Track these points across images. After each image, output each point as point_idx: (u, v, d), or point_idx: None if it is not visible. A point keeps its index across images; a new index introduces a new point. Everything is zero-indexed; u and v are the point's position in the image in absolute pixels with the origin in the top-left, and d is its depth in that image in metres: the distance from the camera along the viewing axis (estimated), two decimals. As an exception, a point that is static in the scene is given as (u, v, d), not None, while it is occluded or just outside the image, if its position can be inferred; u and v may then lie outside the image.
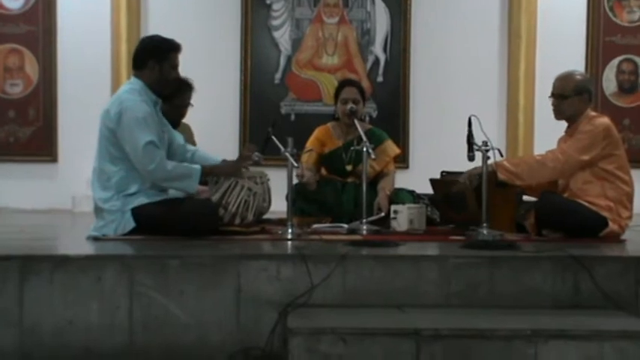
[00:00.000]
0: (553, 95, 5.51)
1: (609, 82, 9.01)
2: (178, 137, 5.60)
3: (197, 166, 5.21)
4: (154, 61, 5.21)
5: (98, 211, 5.21)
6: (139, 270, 4.20)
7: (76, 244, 5.18)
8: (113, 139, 5.11)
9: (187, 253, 4.38)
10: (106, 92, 8.10)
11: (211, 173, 5.31)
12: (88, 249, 4.73)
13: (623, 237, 5.39)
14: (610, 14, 8.96)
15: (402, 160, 8.33)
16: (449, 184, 5.74)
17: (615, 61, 9.02)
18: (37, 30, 8.74)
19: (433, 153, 8.49)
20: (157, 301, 4.19)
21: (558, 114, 5.53)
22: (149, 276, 4.20)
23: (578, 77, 5.53)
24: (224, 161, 5.50)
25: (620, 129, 8.19)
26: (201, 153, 5.64)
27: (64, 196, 8.49)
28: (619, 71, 9.04)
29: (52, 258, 4.28)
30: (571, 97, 5.44)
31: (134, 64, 5.33)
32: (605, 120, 5.43)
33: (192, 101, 6.22)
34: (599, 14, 8.95)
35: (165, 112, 5.56)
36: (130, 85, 5.28)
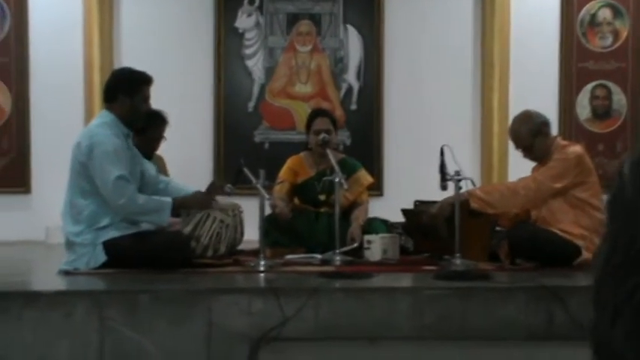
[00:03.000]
0: (519, 149, 5.52)
1: (583, 108, 9.02)
2: (151, 168, 5.57)
3: (168, 199, 5.19)
4: (125, 94, 5.19)
5: (69, 244, 5.17)
6: (109, 305, 4.17)
7: (47, 278, 5.13)
8: (84, 173, 5.08)
9: (158, 287, 4.35)
10: (79, 123, 8.05)
11: (182, 206, 5.29)
12: (58, 284, 4.69)
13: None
14: (583, 40, 9.00)
15: (377, 188, 8.29)
16: (420, 215, 5.73)
17: (589, 87, 9.02)
18: (9, 60, 8.67)
19: (408, 181, 8.47)
20: (127, 336, 4.15)
21: (535, 160, 5.54)
22: (120, 311, 4.17)
23: (525, 122, 5.48)
24: (196, 192, 5.48)
25: (594, 154, 8.20)
26: (175, 184, 5.62)
27: (38, 227, 8.41)
28: (592, 97, 9.04)
29: (21, 294, 4.25)
30: (533, 143, 5.44)
31: (105, 97, 5.32)
32: (577, 148, 5.44)
33: (165, 134, 6.21)
34: (572, 40, 8.97)
35: (138, 145, 5.56)
36: (101, 118, 5.26)
